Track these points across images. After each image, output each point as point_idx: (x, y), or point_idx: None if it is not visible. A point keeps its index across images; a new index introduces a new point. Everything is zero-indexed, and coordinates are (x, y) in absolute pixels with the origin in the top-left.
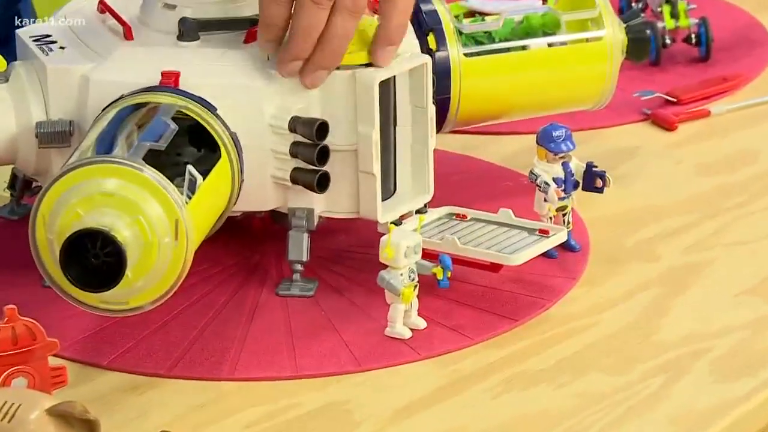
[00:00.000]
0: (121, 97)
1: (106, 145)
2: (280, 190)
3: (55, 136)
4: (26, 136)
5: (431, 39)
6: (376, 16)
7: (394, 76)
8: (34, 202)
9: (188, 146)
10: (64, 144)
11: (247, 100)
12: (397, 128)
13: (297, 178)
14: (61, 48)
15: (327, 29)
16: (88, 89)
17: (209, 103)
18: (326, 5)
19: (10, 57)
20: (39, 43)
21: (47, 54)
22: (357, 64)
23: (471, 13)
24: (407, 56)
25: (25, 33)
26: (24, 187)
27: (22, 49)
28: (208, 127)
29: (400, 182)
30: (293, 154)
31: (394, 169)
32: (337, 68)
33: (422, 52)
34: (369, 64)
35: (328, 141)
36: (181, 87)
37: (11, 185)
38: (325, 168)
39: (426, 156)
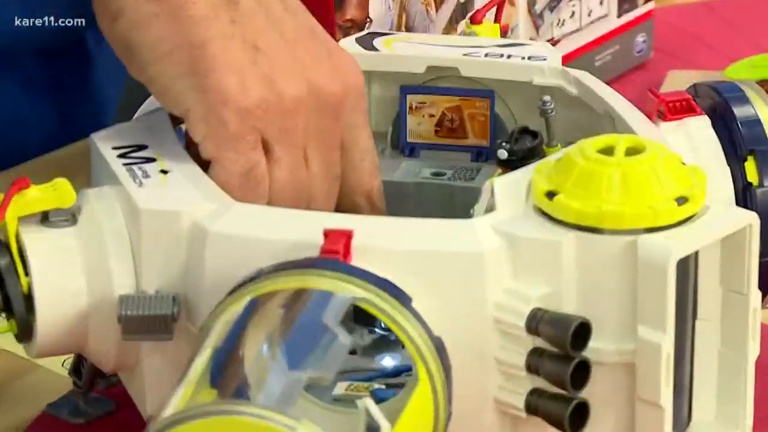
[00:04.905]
0: (258, 274)
1: (230, 365)
2: (507, 423)
3: (150, 322)
4: (102, 316)
5: (750, 167)
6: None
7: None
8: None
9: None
10: (164, 335)
11: (458, 280)
12: (696, 323)
13: (537, 406)
14: (163, 172)
15: None
16: (204, 248)
17: (401, 292)
18: None
19: None
20: (128, 159)
21: (140, 183)
22: (639, 227)
23: None
24: (719, 212)
25: (105, 141)
26: (95, 374)
27: (100, 166)
28: (402, 336)
29: (697, 408)
30: (532, 369)
31: (690, 388)
32: (605, 232)
33: (736, 189)
34: (657, 228)
35: (589, 349)
36: (355, 257)
37: (75, 369)
38: (583, 394)
39: (742, 367)
